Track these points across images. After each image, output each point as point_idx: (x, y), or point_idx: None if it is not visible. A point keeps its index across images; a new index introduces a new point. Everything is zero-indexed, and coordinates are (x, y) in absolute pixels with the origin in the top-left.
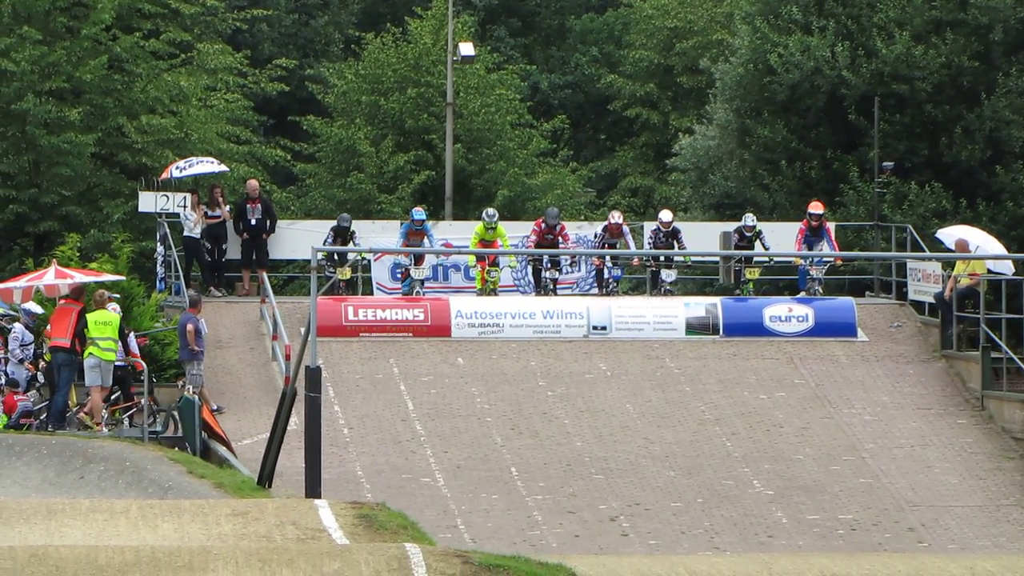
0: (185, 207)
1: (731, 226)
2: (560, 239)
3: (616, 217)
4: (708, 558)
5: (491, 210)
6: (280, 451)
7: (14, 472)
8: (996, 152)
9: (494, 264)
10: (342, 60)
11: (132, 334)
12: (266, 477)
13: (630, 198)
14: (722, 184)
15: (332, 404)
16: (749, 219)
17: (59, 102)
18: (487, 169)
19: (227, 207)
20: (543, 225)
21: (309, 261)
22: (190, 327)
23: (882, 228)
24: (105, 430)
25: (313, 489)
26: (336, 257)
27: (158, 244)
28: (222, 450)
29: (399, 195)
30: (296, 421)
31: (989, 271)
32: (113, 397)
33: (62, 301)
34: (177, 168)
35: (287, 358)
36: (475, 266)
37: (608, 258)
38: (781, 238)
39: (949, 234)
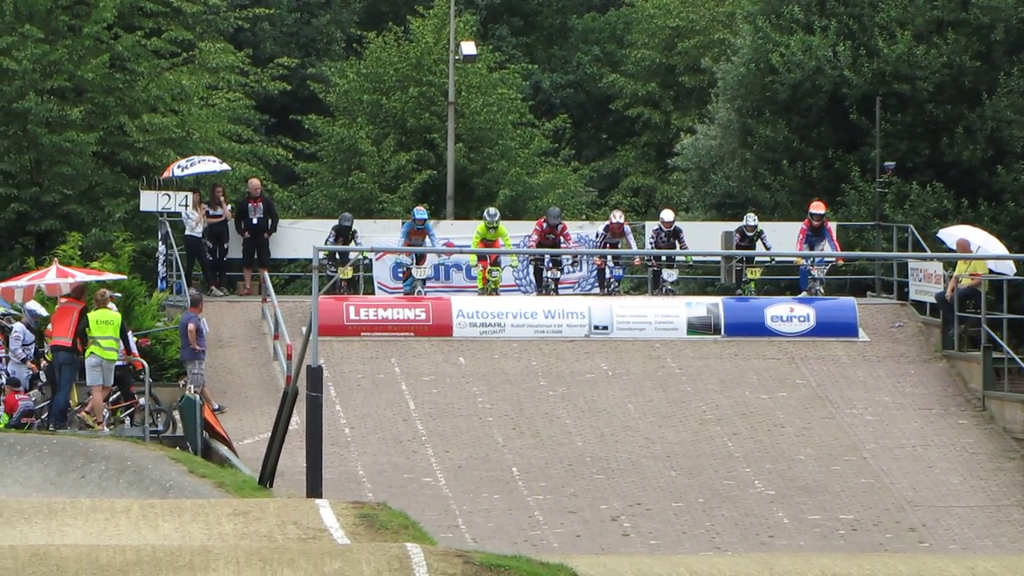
0: (187, 206)
1: (732, 226)
2: (562, 239)
3: (618, 217)
4: (709, 558)
5: (492, 209)
6: (281, 451)
7: (15, 471)
8: (997, 152)
9: (496, 264)
10: (344, 59)
11: (131, 334)
12: (267, 477)
13: (631, 198)
14: (723, 184)
15: (333, 403)
16: (750, 219)
17: (61, 101)
18: (489, 168)
19: (229, 206)
20: (545, 225)
21: (311, 260)
22: (191, 326)
23: (883, 228)
24: (106, 429)
25: (314, 489)
26: (338, 256)
27: (160, 243)
28: (223, 449)
29: (401, 194)
30: (297, 421)
31: (990, 271)
32: (113, 397)
33: (63, 300)
34: (179, 167)
35: (288, 357)
36: (476, 266)
37: (609, 258)
38: (782, 238)
39: (950, 234)
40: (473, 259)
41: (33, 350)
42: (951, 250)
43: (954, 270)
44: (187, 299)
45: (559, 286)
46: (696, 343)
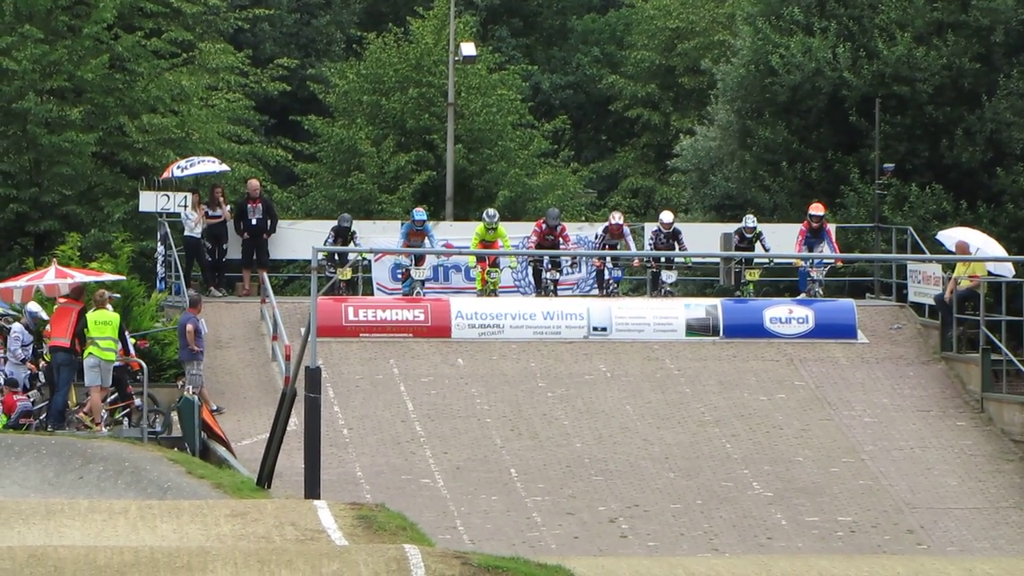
0: (186, 207)
1: (732, 227)
2: (561, 240)
3: (617, 218)
4: (707, 560)
5: (492, 211)
6: (279, 452)
7: (13, 472)
8: (997, 154)
9: (494, 265)
10: (343, 60)
11: (129, 334)
12: (265, 478)
13: (631, 199)
14: (723, 185)
15: (332, 405)
16: (750, 220)
17: (60, 101)
18: (488, 169)
19: (228, 207)
20: (544, 226)
21: (309, 261)
22: (190, 327)
23: (882, 230)
24: (104, 430)
25: (312, 490)
26: (337, 257)
27: (159, 244)
28: (221, 450)
29: (400, 195)
30: (296, 421)
31: (989, 273)
32: (111, 398)
33: (62, 301)
34: (178, 168)
35: (287, 358)
36: (475, 267)
37: (608, 259)
38: (782, 239)
39: (949, 236)
40: (472, 260)
41: (31, 350)
42: (950, 252)
43: (953, 272)
44: (186, 300)
45: (558, 287)
46: (695, 344)
